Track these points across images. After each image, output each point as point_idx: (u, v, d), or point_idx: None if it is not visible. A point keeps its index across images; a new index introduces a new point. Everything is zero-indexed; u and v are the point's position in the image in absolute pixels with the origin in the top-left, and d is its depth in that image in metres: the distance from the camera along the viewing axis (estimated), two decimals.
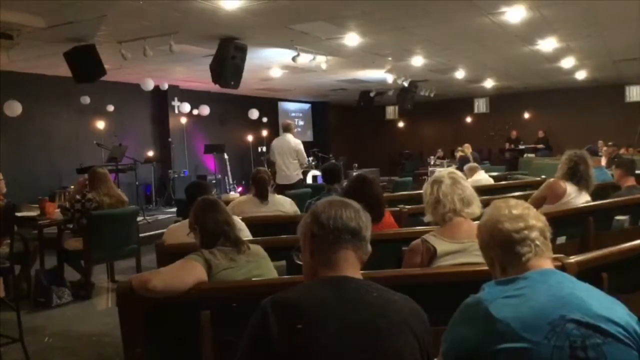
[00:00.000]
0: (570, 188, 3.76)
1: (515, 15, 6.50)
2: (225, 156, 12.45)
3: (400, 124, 18.80)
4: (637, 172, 4.72)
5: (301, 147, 7.51)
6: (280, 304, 1.32)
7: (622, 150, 11.29)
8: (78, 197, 5.05)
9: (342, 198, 1.57)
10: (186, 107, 11.85)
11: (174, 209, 9.79)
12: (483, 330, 1.32)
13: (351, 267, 1.45)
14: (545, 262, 1.46)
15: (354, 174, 6.12)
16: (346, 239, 1.45)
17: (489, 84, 13.89)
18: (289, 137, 7.57)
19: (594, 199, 4.00)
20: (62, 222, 5.21)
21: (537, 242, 1.45)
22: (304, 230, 1.51)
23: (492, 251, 1.52)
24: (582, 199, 3.80)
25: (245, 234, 3.07)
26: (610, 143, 10.48)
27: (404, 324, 1.33)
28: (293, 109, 17.25)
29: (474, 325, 1.35)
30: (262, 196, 4.26)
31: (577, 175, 3.79)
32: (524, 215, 1.49)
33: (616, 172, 4.57)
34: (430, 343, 1.40)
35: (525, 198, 4.07)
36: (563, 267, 1.91)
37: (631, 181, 4.43)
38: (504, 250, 1.47)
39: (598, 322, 1.30)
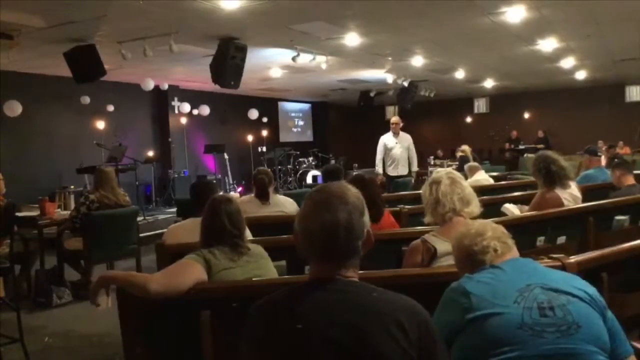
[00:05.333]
0: (560, 193, 3.66)
1: (515, 15, 6.50)
2: (225, 156, 12.46)
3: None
4: (636, 172, 4.72)
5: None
6: (265, 306, 1.32)
7: (618, 149, 11.22)
8: (82, 200, 5.05)
9: (331, 196, 1.38)
10: (186, 107, 11.85)
11: (174, 209, 9.78)
12: (461, 305, 1.50)
13: (337, 268, 1.35)
14: (509, 257, 1.65)
15: (353, 174, 6.11)
16: (321, 251, 1.35)
17: (489, 84, 13.89)
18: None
19: (593, 199, 4.00)
20: (71, 228, 5.18)
21: (496, 247, 1.65)
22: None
23: (463, 265, 1.71)
24: (570, 195, 3.73)
25: (246, 234, 3.06)
26: (609, 144, 10.47)
27: (388, 329, 1.25)
28: (293, 109, 17.25)
29: (454, 303, 1.53)
30: (263, 197, 4.26)
31: (554, 176, 3.64)
32: (480, 230, 1.70)
33: (614, 174, 4.55)
34: (430, 343, 1.32)
35: (525, 198, 4.10)
36: (563, 267, 1.91)
37: (631, 180, 4.43)
38: (470, 261, 1.67)
39: (561, 287, 1.50)
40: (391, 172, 7.83)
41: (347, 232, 1.32)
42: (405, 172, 7.65)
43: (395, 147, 7.79)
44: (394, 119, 7.94)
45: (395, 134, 7.83)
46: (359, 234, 1.36)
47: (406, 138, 7.89)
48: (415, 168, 7.85)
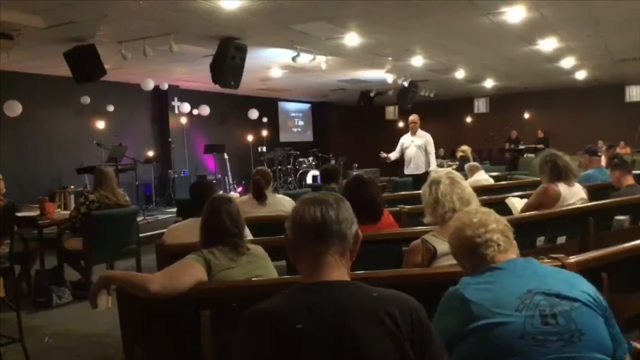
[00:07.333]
0: (562, 188, 3.71)
1: (515, 15, 6.50)
2: (225, 156, 12.47)
3: (400, 124, 18.77)
4: (636, 172, 4.73)
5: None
6: (254, 315, 1.31)
7: (619, 149, 11.23)
8: (82, 200, 5.05)
9: (316, 195, 1.46)
10: (186, 107, 11.86)
11: (174, 209, 9.78)
12: (461, 313, 1.45)
13: (328, 267, 1.37)
14: (510, 255, 1.59)
15: (353, 174, 6.07)
16: (313, 239, 1.37)
17: (489, 84, 13.89)
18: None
19: (594, 199, 4.00)
20: (70, 228, 5.17)
21: (500, 242, 1.58)
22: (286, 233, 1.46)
23: (462, 258, 1.65)
24: (575, 193, 3.76)
25: (246, 233, 3.06)
26: (609, 144, 10.46)
27: (380, 321, 1.26)
28: (293, 109, 17.25)
29: (453, 311, 1.48)
30: (259, 197, 4.24)
31: (560, 171, 3.72)
32: (484, 220, 1.62)
33: (614, 174, 4.56)
34: (424, 331, 1.31)
35: (525, 198, 4.10)
36: (563, 267, 1.91)
37: (630, 180, 4.44)
38: (471, 254, 1.60)
39: (563, 291, 1.45)
40: (406, 170, 7.79)
41: (336, 213, 1.38)
42: (419, 171, 7.42)
43: (410, 146, 7.66)
44: (411, 117, 7.71)
45: (413, 133, 7.69)
46: (349, 219, 1.41)
47: (422, 137, 7.67)
48: (431, 168, 7.45)
